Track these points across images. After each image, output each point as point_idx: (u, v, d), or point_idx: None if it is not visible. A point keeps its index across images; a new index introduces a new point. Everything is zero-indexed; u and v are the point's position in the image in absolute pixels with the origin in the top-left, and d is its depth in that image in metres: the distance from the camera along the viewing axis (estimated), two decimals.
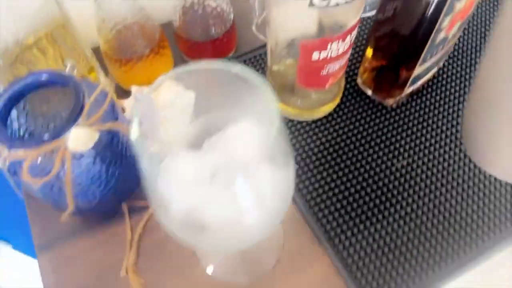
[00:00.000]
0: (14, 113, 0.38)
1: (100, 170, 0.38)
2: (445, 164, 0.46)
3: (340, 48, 0.40)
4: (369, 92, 0.49)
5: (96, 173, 0.38)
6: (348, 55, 0.43)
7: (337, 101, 0.50)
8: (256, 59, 0.55)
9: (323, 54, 0.40)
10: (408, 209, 0.44)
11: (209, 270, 0.42)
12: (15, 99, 0.37)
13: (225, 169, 0.28)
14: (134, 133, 0.24)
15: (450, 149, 0.47)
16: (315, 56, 0.40)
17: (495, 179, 0.45)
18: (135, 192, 0.46)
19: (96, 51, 0.51)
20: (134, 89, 0.50)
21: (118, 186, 0.41)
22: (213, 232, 0.30)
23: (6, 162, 0.35)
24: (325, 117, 0.50)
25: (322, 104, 0.49)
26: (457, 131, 0.48)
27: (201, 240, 0.30)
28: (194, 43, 0.53)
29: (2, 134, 0.34)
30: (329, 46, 0.39)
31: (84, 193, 0.39)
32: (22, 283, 1.07)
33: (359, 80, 0.50)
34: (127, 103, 0.47)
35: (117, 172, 0.40)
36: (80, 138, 0.35)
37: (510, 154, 0.15)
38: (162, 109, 0.48)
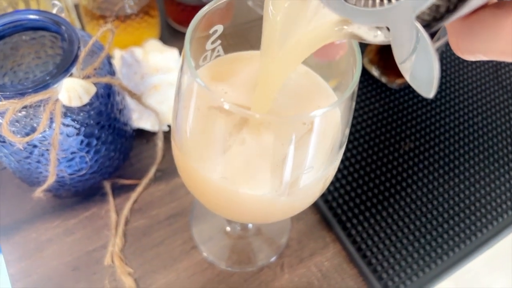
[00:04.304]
0: None
1: (92, 134, 0.31)
2: (452, 148, 0.45)
3: None
4: (375, 73, 0.47)
5: (86, 137, 0.31)
6: None
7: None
8: (254, 30, 0.51)
9: None
10: (419, 193, 0.42)
11: (208, 257, 0.37)
12: None
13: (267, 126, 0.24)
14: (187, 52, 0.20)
15: (458, 131, 0.46)
16: None
17: (503, 161, 0.45)
18: (119, 171, 0.40)
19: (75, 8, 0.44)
20: (118, 52, 0.43)
21: (106, 158, 0.35)
22: (242, 203, 0.25)
23: None
24: None
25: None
26: (465, 113, 0.48)
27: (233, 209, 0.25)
28: (186, 8, 0.48)
29: None
30: None
31: (69, 161, 0.32)
32: None
33: (364, 60, 0.48)
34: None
35: (109, 139, 0.34)
36: (75, 90, 0.28)
37: None
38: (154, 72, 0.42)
